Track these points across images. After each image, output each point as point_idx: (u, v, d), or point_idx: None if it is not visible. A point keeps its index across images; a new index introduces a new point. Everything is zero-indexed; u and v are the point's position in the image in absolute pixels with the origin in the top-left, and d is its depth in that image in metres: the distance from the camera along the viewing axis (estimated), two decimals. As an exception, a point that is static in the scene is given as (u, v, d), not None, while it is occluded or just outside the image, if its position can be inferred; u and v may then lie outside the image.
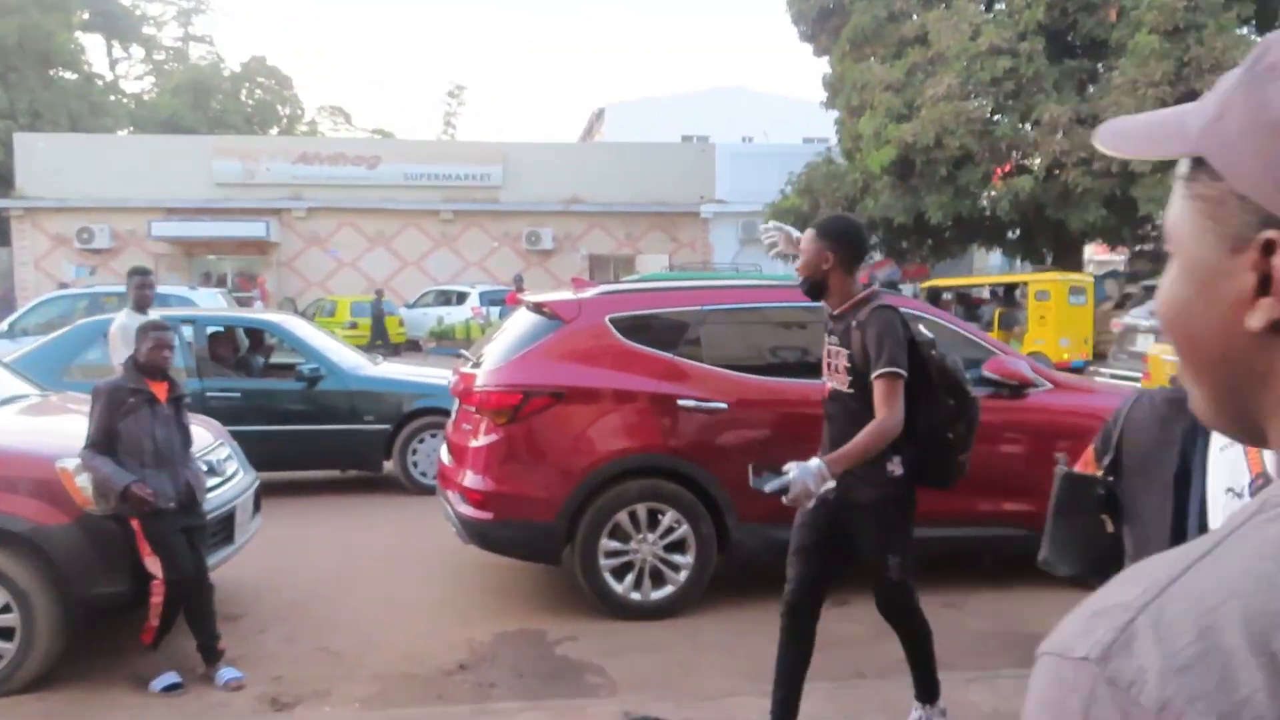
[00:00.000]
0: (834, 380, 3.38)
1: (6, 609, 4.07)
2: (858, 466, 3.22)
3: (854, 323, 3.24)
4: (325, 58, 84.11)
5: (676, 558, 5.02)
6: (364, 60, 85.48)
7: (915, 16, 18.20)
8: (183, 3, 43.51)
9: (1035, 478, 5.36)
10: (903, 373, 3.18)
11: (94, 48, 38.67)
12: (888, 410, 3.18)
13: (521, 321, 5.37)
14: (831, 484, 3.18)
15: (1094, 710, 0.51)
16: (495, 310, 19.05)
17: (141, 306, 6.33)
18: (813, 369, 5.44)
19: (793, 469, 3.08)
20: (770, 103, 34.67)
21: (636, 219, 25.66)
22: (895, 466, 3.28)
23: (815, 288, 3.36)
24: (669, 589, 5.03)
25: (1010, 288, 17.49)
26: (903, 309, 5.73)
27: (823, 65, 21.00)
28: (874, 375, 3.18)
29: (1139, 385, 9.76)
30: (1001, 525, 5.36)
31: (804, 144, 27.19)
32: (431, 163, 26.09)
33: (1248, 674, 0.47)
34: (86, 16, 34.58)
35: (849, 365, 3.27)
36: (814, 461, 3.14)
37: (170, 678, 4.16)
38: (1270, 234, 0.56)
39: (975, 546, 5.52)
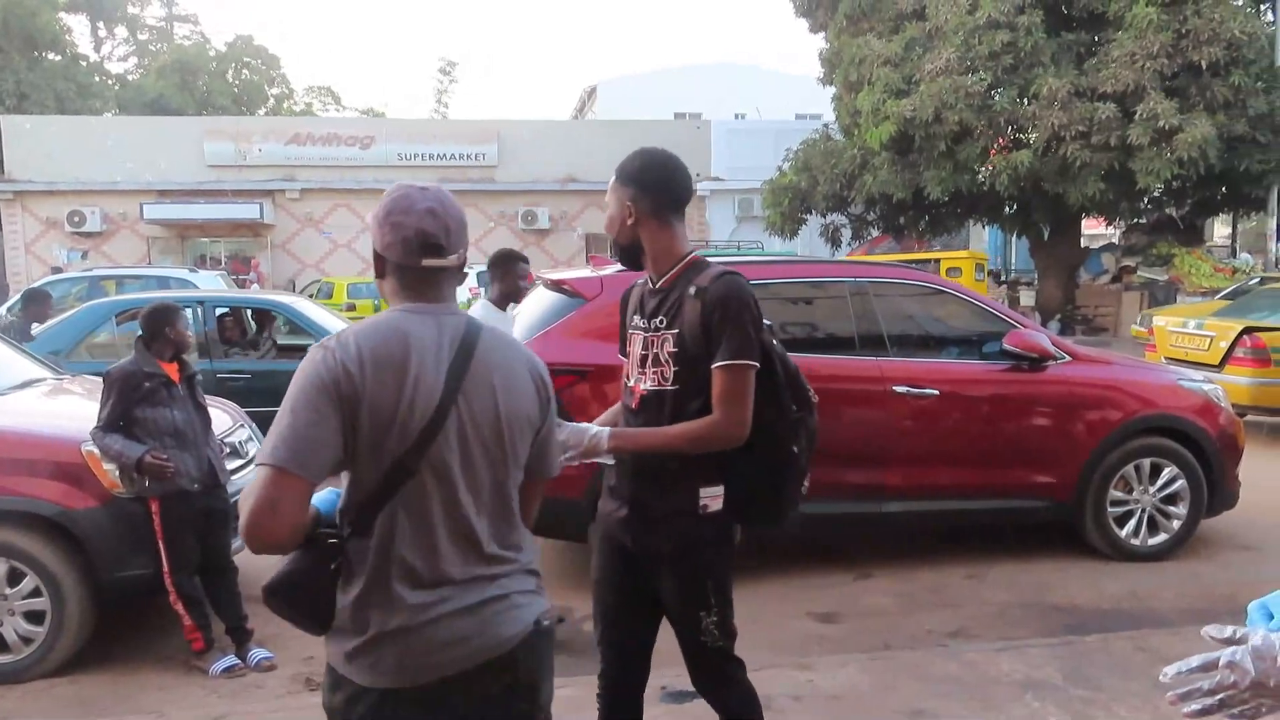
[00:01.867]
0: (648, 378, 2.41)
1: (36, 593, 4.05)
2: (655, 493, 2.40)
3: (689, 291, 2.33)
4: (313, 36, 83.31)
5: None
6: (352, 39, 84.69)
7: (913, -10, 18.09)
8: (167, -19, 43.07)
9: (1055, 449, 5.42)
10: (755, 364, 2.33)
11: (78, 28, 38.21)
12: (728, 410, 2.31)
13: (540, 300, 5.34)
14: (609, 461, 2.47)
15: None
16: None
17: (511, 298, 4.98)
18: (835, 343, 5.48)
19: (565, 428, 2.34)
20: (763, 78, 34.53)
21: (632, 197, 25.55)
22: (712, 500, 2.37)
23: (627, 252, 2.47)
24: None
25: (923, 264, 17.60)
26: (918, 281, 5.82)
27: (818, 41, 20.89)
28: (716, 364, 2.30)
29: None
30: (1022, 497, 5.39)
31: (798, 120, 27.12)
32: (425, 142, 25.93)
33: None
34: (70, -4, 34.22)
35: (676, 351, 2.36)
36: (593, 427, 2.42)
37: (227, 660, 4.15)
38: None
39: (997, 518, 5.54)
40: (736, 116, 30.38)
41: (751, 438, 2.35)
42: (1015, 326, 5.52)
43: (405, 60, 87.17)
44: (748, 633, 4.70)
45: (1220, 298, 14.37)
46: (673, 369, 2.36)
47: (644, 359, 2.42)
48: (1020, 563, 5.49)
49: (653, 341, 2.40)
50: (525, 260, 4.97)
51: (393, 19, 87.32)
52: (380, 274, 1.81)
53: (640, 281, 2.54)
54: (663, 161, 2.42)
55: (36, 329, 8.20)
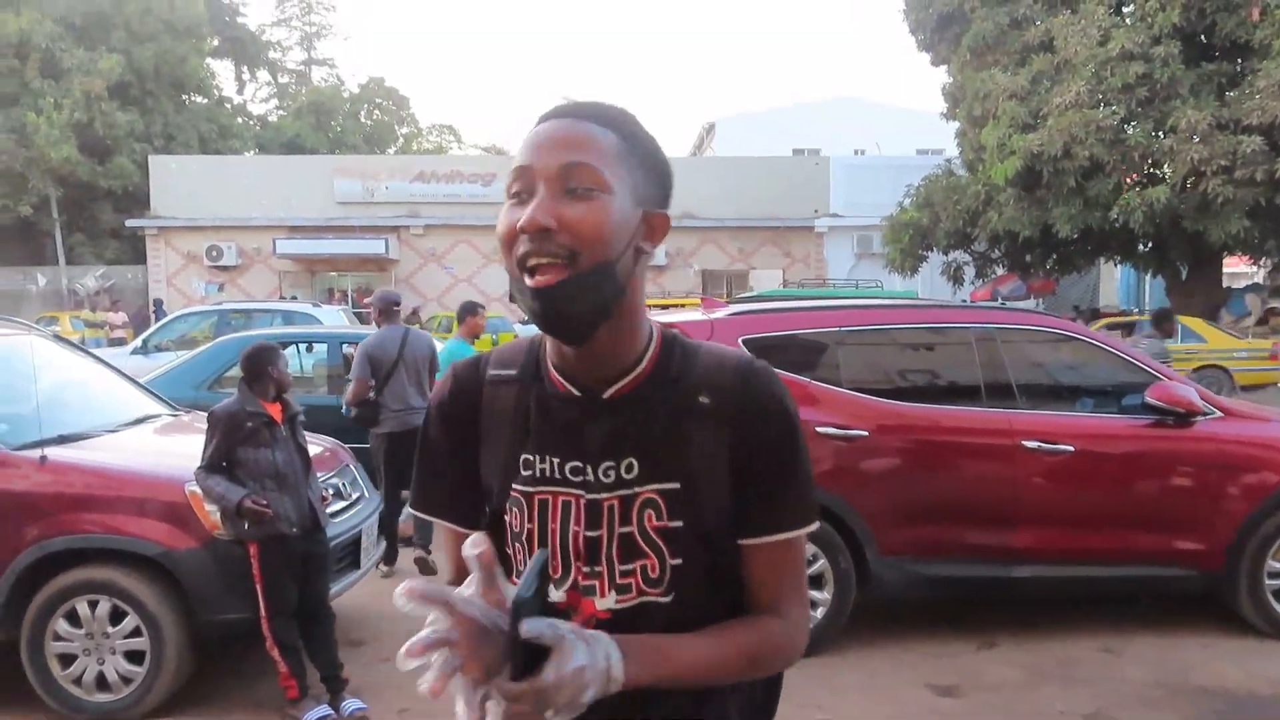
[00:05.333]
0: (608, 586, 1.21)
1: (137, 632, 4.07)
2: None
3: (698, 401, 1.23)
4: (438, 76, 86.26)
5: (813, 593, 4.76)
6: (476, 77, 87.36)
7: (1040, 23, 17.48)
8: (305, 28, 45.26)
9: (1204, 514, 4.96)
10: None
11: (223, 73, 40.49)
12: (800, 605, 1.29)
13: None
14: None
15: None
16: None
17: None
18: (959, 393, 5.16)
19: (575, 647, 1.02)
20: (883, 113, 34.01)
21: (749, 234, 25.40)
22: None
23: (592, 308, 1.15)
24: (803, 626, 4.77)
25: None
26: (1050, 328, 5.43)
27: (941, 75, 20.41)
28: (777, 536, 1.24)
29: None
30: (1165, 565, 4.95)
31: (919, 155, 26.55)
32: (544, 179, 26.31)
33: None
34: (216, 43, 36.21)
35: (676, 525, 1.21)
36: (606, 649, 1.06)
37: (321, 710, 4.08)
38: None
39: (1136, 587, 5.10)
40: (856, 152, 29.96)
41: None
42: (1158, 378, 5.09)
43: (527, 96, 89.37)
44: (860, 703, 4.45)
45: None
46: (670, 560, 1.20)
47: (589, 547, 1.21)
48: (1162, 637, 5.02)
49: (607, 511, 1.21)
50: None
51: (516, 56, 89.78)
52: None
53: (504, 373, 1.28)
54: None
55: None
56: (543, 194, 1.10)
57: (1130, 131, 15.70)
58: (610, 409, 1.22)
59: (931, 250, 19.65)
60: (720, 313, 5.04)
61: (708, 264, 24.96)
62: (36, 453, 4.18)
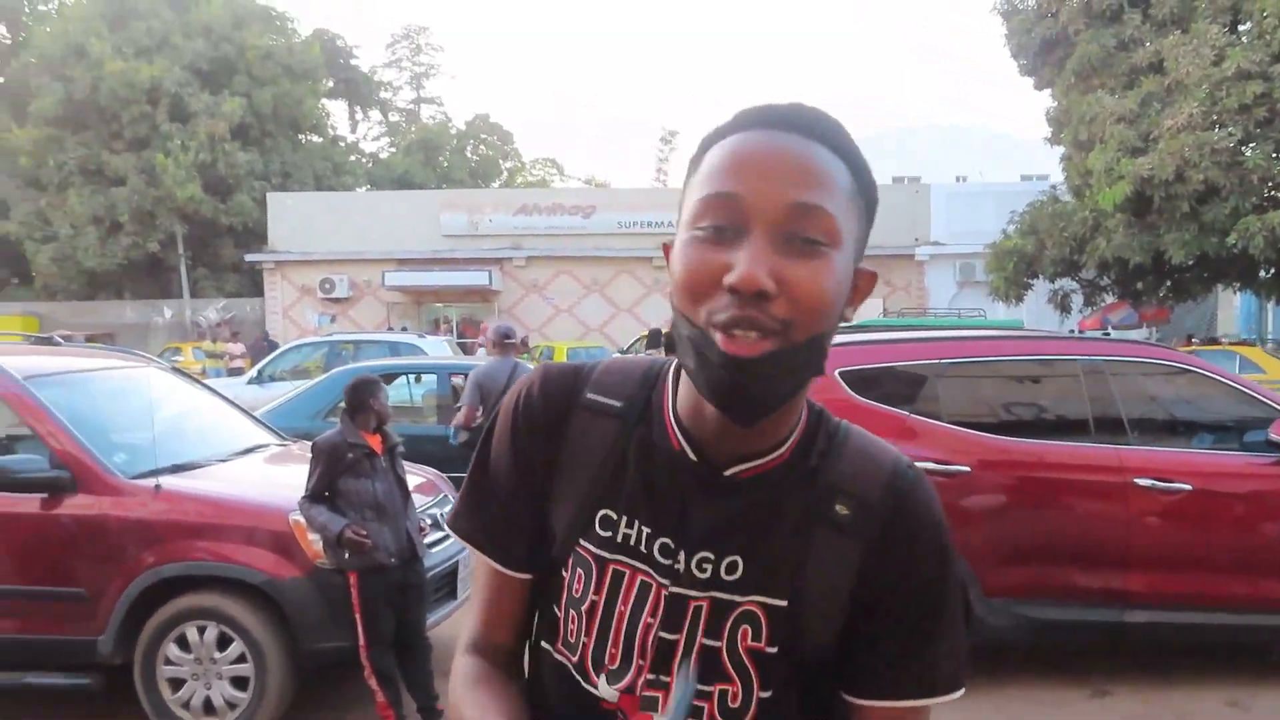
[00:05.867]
0: (669, 694, 0.98)
1: (242, 659, 4.19)
2: None
3: (833, 510, 0.99)
4: (541, 110, 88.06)
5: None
6: (579, 112, 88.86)
7: (1149, 44, 16.87)
8: (415, 68, 46.79)
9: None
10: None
11: (337, 113, 42.13)
12: None
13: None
14: None
15: None
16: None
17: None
18: (1066, 428, 4.96)
19: None
20: (986, 140, 33.33)
21: (847, 263, 25.09)
22: None
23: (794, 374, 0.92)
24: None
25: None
26: (1163, 359, 5.17)
27: (1044, 99, 19.86)
28: (906, 701, 0.99)
29: None
30: (1295, 613, 4.64)
31: (1023, 182, 25.89)
32: (644, 210, 26.51)
33: None
34: (331, 85, 37.62)
35: (773, 651, 0.98)
36: None
37: None
38: None
39: (1264, 637, 4.80)
40: (958, 179, 29.36)
41: None
42: (1284, 414, 4.81)
43: (629, 128, 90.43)
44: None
45: None
46: (758, 693, 0.98)
47: (660, 650, 0.99)
48: (1295, 691, 4.70)
49: (692, 613, 0.99)
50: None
51: (618, 90, 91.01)
52: None
53: (607, 401, 1.06)
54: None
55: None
56: (760, 242, 0.85)
57: (1248, 154, 15.00)
58: (730, 489, 0.98)
59: (1037, 278, 19.07)
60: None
61: (807, 293, 24.69)
62: (152, 481, 4.35)
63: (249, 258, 27.30)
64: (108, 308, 28.70)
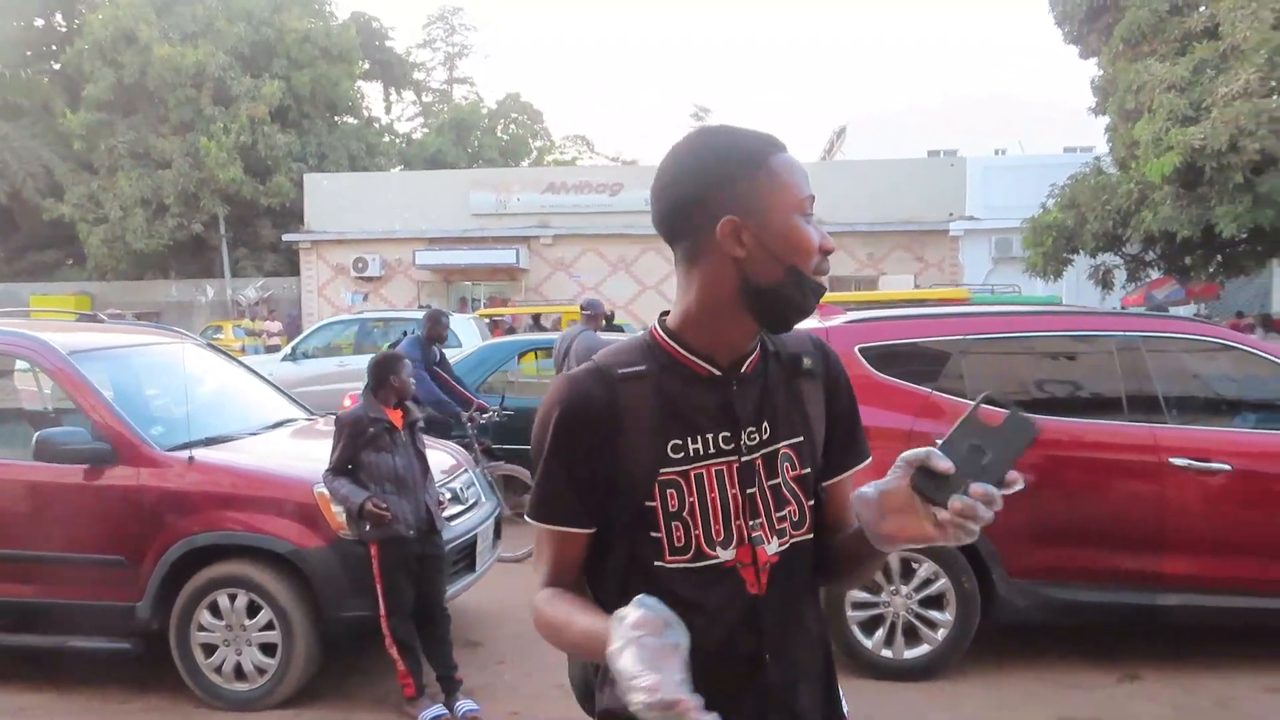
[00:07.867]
0: (772, 534, 1.41)
1: (270, 626, 4.27)
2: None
3: (803, 366, 1.48)
4: (571, 87, 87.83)
5: (934, 614, 4.57)
6: (608, 86, 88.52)
7: (1203, 8, 16.44)
8: (449, 48, 46.84)
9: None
10: None
11: (372, 94, 42.27)
12: None
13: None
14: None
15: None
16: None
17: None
18: (1096, 406, 4.86)
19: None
20: (1027, 110, 32.62)
21: (880, 238, 24.80)
22: None
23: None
24: (924, 648, 4.59)
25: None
26: (1202, 335, 5.03)
27: (1089, 68, 19.43)
28: (860, 466, 1.54)
29: None
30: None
31: (1065, 154, 25.39)
32: (673, 187, 26.39)
33: None
34: (367, 66, 37.74)
35: (805, 472, 1.46)
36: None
37: (435, 710, 4.19)
38: None
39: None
40: (996, 152, 28.88)
41: None
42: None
43: (659, 105, 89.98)
44: (988, 734, 4.24)
45: None
46: (806, 503, 1.44)
47: (749, 503, 1.39)
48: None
49: (755, 471, 1.40)
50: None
51: (649, 65, 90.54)
52: None
53: (634, 369, 1.40)
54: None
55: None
56: (816, 220, 1.37)
57: (1308, 123, 14.56)
58: (744, 382, 1.42)
59: (1077, 253, 18.70)
60: (836, 320, 4.90)
61: (837, 269, 24.37)
62: (186, 453, 4.44)
63: (286, 238, 27.57)
64: (154, 287, 29.23)
